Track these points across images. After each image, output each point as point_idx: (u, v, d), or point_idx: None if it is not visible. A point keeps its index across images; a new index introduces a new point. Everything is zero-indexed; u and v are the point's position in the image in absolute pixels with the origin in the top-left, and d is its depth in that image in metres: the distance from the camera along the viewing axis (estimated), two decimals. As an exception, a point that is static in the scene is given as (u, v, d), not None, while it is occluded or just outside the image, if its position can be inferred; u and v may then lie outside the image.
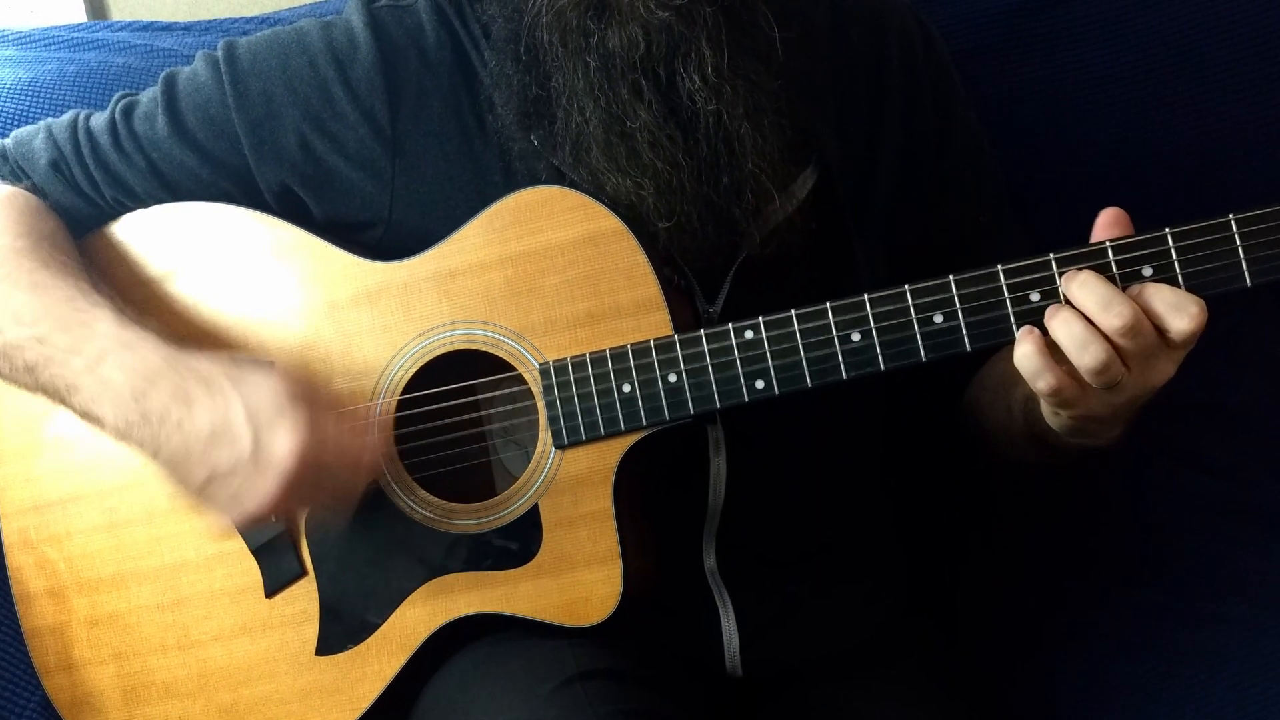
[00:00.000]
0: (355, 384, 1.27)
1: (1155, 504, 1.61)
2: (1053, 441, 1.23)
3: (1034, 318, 1.11)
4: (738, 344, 1.18)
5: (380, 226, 1.31)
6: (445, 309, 1.25)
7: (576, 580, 1.23)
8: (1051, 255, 1.12)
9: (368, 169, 1.30)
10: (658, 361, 1.19)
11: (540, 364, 1.22)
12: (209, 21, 1.76)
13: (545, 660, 1.21)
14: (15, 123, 1.54)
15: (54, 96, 1.58)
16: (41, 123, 1.38)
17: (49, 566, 1.33)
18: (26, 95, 1.58)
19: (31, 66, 1.62)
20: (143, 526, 1.31)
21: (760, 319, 1.17)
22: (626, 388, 1.20)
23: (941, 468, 1.53)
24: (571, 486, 1.23)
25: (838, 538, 1.36)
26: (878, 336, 1.15)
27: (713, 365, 1.18)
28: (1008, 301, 1.12)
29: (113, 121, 1.34)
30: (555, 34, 1.18)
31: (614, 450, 1.22)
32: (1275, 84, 1.64)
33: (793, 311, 1.16)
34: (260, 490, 1.12)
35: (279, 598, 1.29)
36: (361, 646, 1.28)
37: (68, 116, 1.37)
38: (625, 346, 1.20)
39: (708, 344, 1.18)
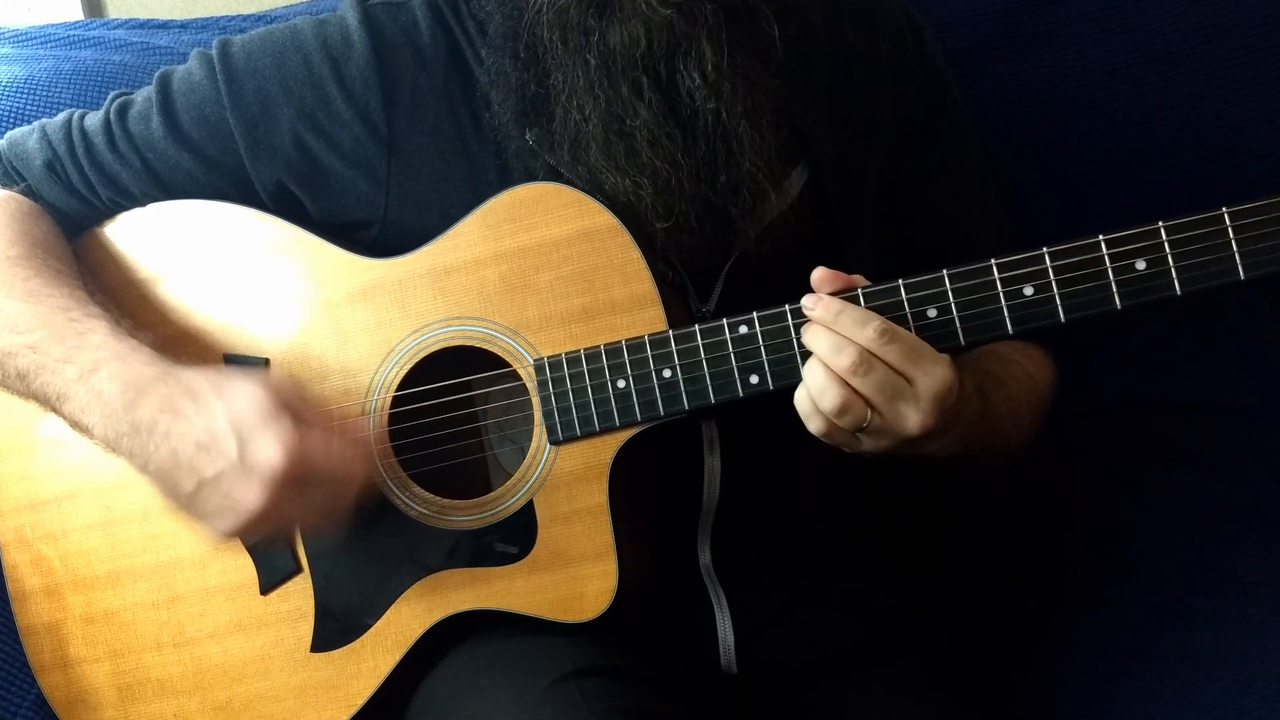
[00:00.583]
0: (350, 380, 1.27)
1: (1153, 503, 1.61)
2: None
3: (1028, 311, 1.12)
4: (732, 339, 1.18)
5: (376, 224, 1.31)
6: (440, 305, 1.25)
7: (571, 576, 1.23)
8: (1045, 250, 1.12)
9: (363, 167, 1.30)
10: (652, 357, 1.19)
11: (535, 360, 1.22)
12: (205, 19, 1.76)
13: (540, 657, 1.21)
14: (12, 121, 1.55)
15: (50, 94, 1.59)
16: (36, 123, 1.38)
17: (44, 564, 1.33)
18: (23, 93, 1.58)
19: (28, 64, 1.62)
20: (138, 524, 1.31)
21: (754, 314, 1.17)
22: (621, 383, 1.20)
23: (938, 466, 1.53)
24: (566, 482, 1.23)
25: (833, 535, 1.36)
26: (872, 331, 1.15)
27: (707, 360, 1.18)
28: (1001, 296, 1.12)
29: (107, 122, 1.34)
30: (556, 31, 1.18)
31: (609, 446, 1.22)
32: (1272, 82, 1.65)
33: (787, 306, 1.16)
34: (248, 497, 1.11)
35: (274, 595, 1.29)
36: (356, 643, 1.28)
37: (62, 116, 1.37)
38: (620, 342, 1.20)
39: (702, 339, 1.18)
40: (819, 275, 1.15)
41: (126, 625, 1.32)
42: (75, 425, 1.21)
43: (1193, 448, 1.65)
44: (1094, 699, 1.39)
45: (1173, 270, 1.09)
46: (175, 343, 1.31)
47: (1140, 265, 1.10)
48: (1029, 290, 1.12)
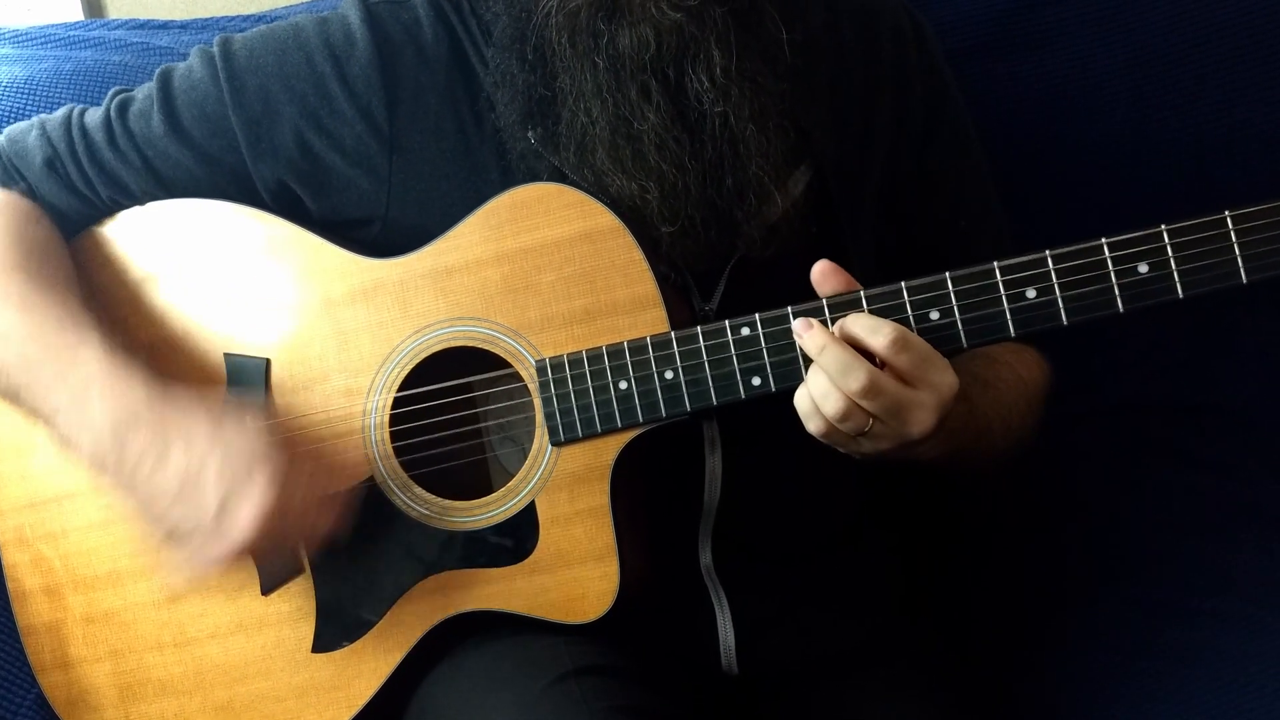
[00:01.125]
0: (351, 381, 1.27)
1: (1153, 503, 1.61)
2: None
3: (1031, 314, 1.12)
4: (734, 341, 1.18)
5: (377, 223, 1.31)
6: (441, 306, 1.25)
7: (573, 577, 1.23)
8: (1047, 252, 1.12)
9: (364, 166, 1.30)
10: (654, 358, 1.19)
11: (537, 361, 1.22)
12: (205, 19, 1.75)
13: (540, 657, 1.21)
14: (12, 121, 1.53)
15: (50, 94, 1.58)
16: (35, 119, 1.37)
17: (44, 564, 1.33)
18: (23, 93, 1.58)
19: (28, 64, 1.62)
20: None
21: (757, 316, 1.17)
22: (623, 385, 1.20)
23: (926, 469, 1.53)
24: (568, 483, 1.23)
25: (834, 536, 1.36)
26: (874, 332, 1.15)
27: (709, 362, 1.18)
28: (1004, 298, 1.12)
29: (108, 119, 1.34)
30: (565, 34, 1.18)
31: (610, 447, 1.22)
32: (1272, 82, 1.65)
33: (789, 308, 1.16)
34: (213, 556, 1.15)
35: (275, 595, 1.29)
36: (358, 644, 1.28)
37: (61, 112, 1.36)
38: (622, 344, 1.20)
39: (704, 341, 1.18)
40: (821, 269, 1.15)
41: (127, 625, 1.32)
42: (66, 443, 1.21)
43: (1193, 448, 1.66)
44: (1094, 699, 1.39)
45: (1175, 273, 1.10)
46: (175, 342, 1.31)
47: (1142, 268, 1.10)
48: (1031, 293, 1.12)
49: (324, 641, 1.28)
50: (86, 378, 1.19)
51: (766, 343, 1.17)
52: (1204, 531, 1.56)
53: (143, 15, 1.83)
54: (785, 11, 1.21)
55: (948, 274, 1.13)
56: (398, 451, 1.27)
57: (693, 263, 1.24)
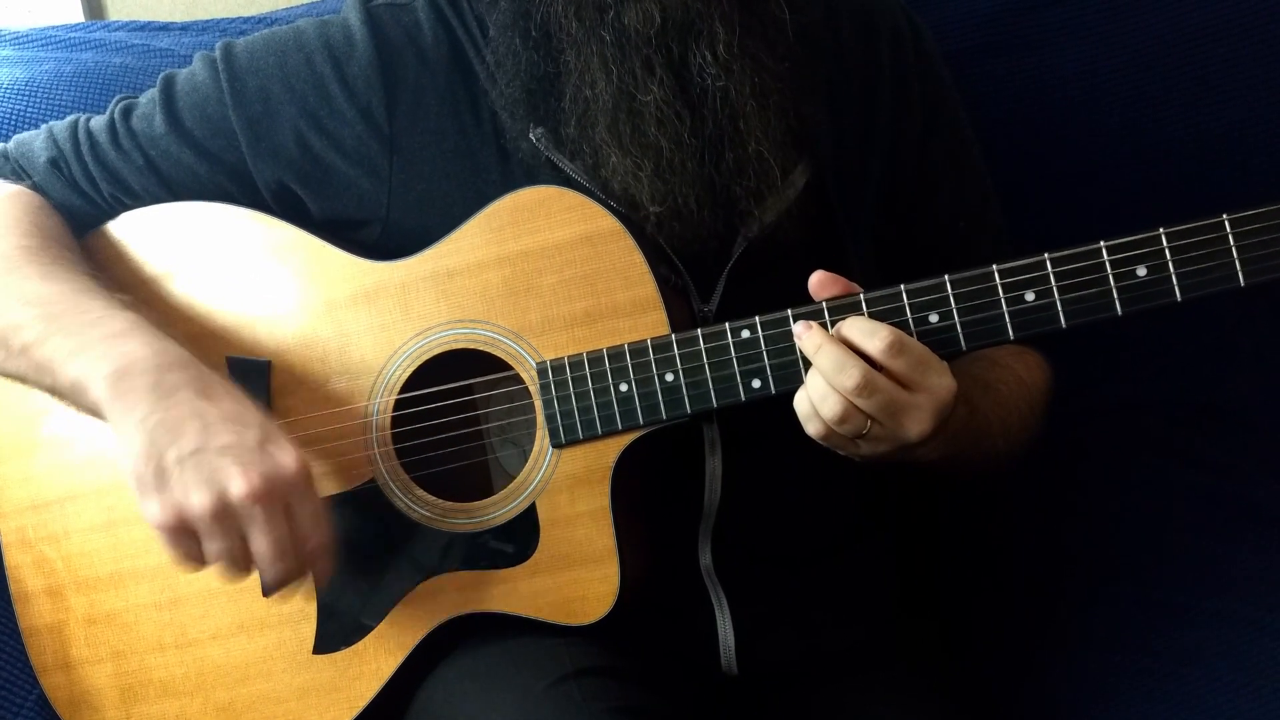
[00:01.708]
0: (353, 383, 1.27)
1: (1152, 502, 1.61)
2: None
3: (1030, 318, 1.12)
4: (734, 343, 1.18)
5: (377, 224, 1.31)
6: (443, 308, 1.25)
7: (573, 579, 1.23)
8: (1046, 255, 1.12)
9: (365, 167, 1.30)
10: (655, 361, 1.20)
11: (538, 363, 1.22)
12: (206, 21, 1.76)
13: (540, 658, 1.21)
14: (12, 122, 1.54)
15: (51, 96, 1.58)
16: (44, 126, 1.38)
17: (47, 565, 1.33)
18: (24, 95, 1.58)
19: (29, 66, 1.62)
20: (140, 525, 1.30)
21: (756, 318, 1.18)
22: (624, 387, 1.20)
23: (926, 471, 1.53)
24: (568, 485, 1.23)
25: (833, 537, 1.36)
26: (874, 335, 1.15)
27: (709, 365, 1.19)
28: (1003, 301, 1.13)
29: (111, 121, 1.35)
30: (571, 9, 1.20)
31: (611, 449, 1.22)
32: (1272, 84, 1.64)
33: (789, 311, 1.17)
34: (239, 479, 1.08)
35: (276, 596, 1.28)
36: (359, 645, 1.28)
37: (69, 119, 1.38)
38: (622, 346, 1.20)
39: (704, 343, 1.19)
40: (818, 279, 1.16)
41: (129, 626, 1.32)
42: (75, 382, 1.15)
43: (1193, 448, 1.66)
44: (1094, 699, 1.39)
45: (1173, 277, 1.10)
46: (177, 343, 1.31)
47: (1141, 271, 1.10)
48: (1030, 296, 1.12)
49: (325, 643, 1.29)
50: (126, 328, 1.17)
51: (766, 345, 1.17)
52: (1204, 531, 1.56)
53: (143, 17, 1.83)
54: None
55: (947, 277, 1.14)
56: (399, 453, 1.27)
57: (687, 248, 1.24)
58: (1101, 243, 1.11)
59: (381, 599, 1.27)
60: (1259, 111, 1.65)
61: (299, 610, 1.29)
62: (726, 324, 1.18)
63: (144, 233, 1.34)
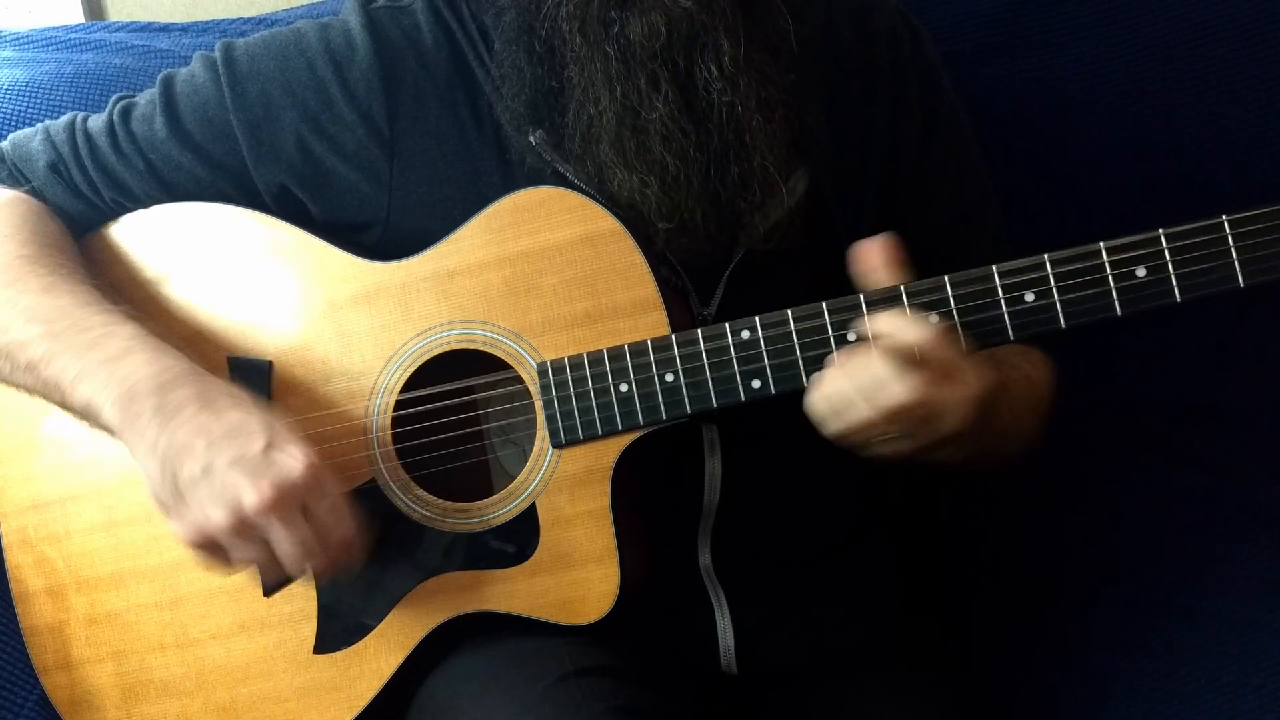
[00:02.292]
0: (354, 383, 1.27)
1: (1151, 503, 1.61)
2: None
3: (1029, 318, 1.12)
4: (734, 344, 1.18)
5: (378, 227, 1.31)
6: (443, 309, 1.25)
7: (573, 579, 1.24)
8: (1046, 256, 1.12)
9: (366, 170, 1.30)
10: (655, 361, 1.20)
11: (538, 364, 1.23)
12: (206, 22, 1.76)
13: (540, 658, 1.22)
14: (12, 123, 1.54)
15: (51, 97, 1.58)
16: (39, 125, 1.38)
17: (48, 565, 1.34)
18: (24, 96, 1.58)
19: (29, 67, 1.62)
20: (141, 525, 1.31)
21: (756, 319, 1.18)
22: (624, 387, 1.21)
23: (938, 471, 1.53)
24: (568, 486, 1.23)
25: (832, 538, 1.36)
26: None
27: (709, 365, 1.19)
28: (1002, 302, 1.13)
29: (110, 123, 1.35)
30: (575, 24, 1.19)
31: (611, 450, 1.22)
32: (1272, 86, 1.64)
33: (789, 311, 1.17)
34: (252, 490, 1.10)
35: (277, 596, 1.29)
36: (359, 645, 1.28)
37: (65, 119, 1.37)
38: (622, 346, 1.20)
39: (704, 344, 1.19)
40: (867, 247, 1.15)
41: (130, 626, 1.32)
42: (85, 406, 1.18)
43: (1193, 448, 1.66)
44: (1093, 699, 1.39)
45: (1173, 278, 1.10)
46: (179, 344, 1.30)
47: (1140, 272, 1.10)
48: (1030, 296, 1.12)
49: (326, 642, 1.29)
50: (125, 347, 1.18)
51: (766, 346, 1.17)
52: (1204, 531, 1.56)
53: (143, 18, 1.83)
54: (791, 3, 1.22)
55: (946, 278, 1.14)
56: (400, 453, 1.27)
57: (690, 259, 1.24)
58: (1101, 243, 1.11)
59: (382, 599, 1.27)
60: (1259, 111, 1.65)
61: (300, 610, 1.29)
62: (726, 324, 1.18)
63: (145, 233, 1.34)
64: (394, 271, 1.27)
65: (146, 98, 1.36)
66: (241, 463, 1.11)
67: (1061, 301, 1.12)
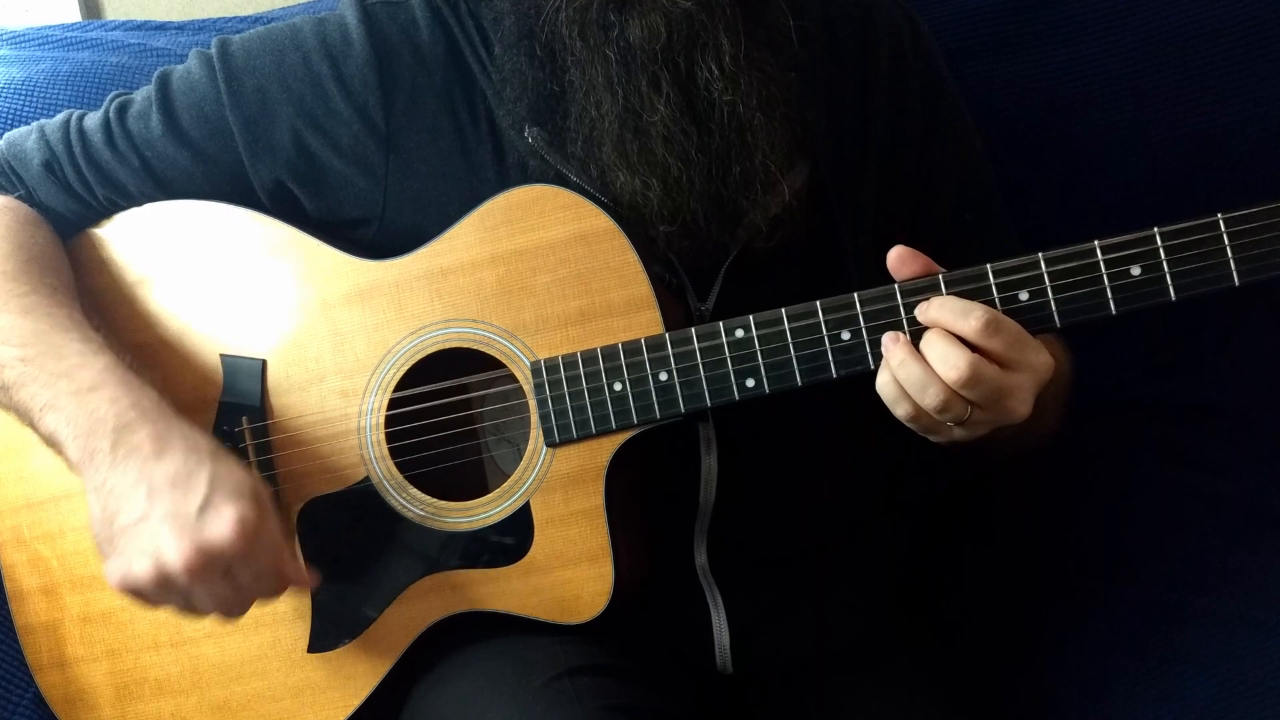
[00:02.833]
0: (347, 382, 1.27)
1: (1149, 502, 1.61)
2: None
3: (1023, 317, 1.12)
4: (728, 342, 1.18)
5: (374, 223, 1.31)
6: (437, 307, 1.25)
7: (568, 578, 1.23)
8: (1040, 255, 1.12)
9: (361, 165, 1.30)
10: (649, 360, 1.19)
11: (532, 362, 1.22)
12: (202, 20, 1.76)
13: (535, 656, 1.22)
14: (9, 122, 1.54)
15: (48, 96, 1.58)
16: (34, 124, 1.38)
17: (42, 564, 1.34)
18: (20, 94, 1.58)
19: (25, 66, 1.62)
20: (136, 524, 1.31)
21: (750, 317, 1.17)
22: (618, 386, 1.20)
23: (933, 466, 1.53)
24: (563, 484, 1.23)
25: (829, 536, 1.36)
26: (867, 335, 1.15)
27: (704, 364, 1.19)
28: (997, 301, 1.12)
29: (106, 120, 1.34)
30: (575, 28, 1.19)
31: (605, 448, 1.22)
32: (1267, 84, 1.64)
33: (783, 310, 1.16)
34: (175, 550, 1.09)
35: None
36: (353, 644, 1.28)
37: (60, 117, 1.37)
38: (616, 345, 1.20)
39: (698, 342, 1.18)
40: (898, 253, 1.13)
41: (124, 625, 1.32)
42: (50, 436, 1.18)
43: (1192, 448, 1.65)
44: (1091, 699, 1.39)
45: (1168, 276, 1.10)
46: (172, 342, 1.31)
47: (1135, 271, 1.10)
48: (1024, 295, 1.12)
49: (320, 641, 1.29)
50: (96, 380, 1.18)
51: (760, 345, 1.17)
52: (1202, 531, 1.56)
53: (140, 16, 1.83)
54: (790, 1, 1.22)
55: (941, 276, 1.13)
56: (394, 453, 1.27)
57: (690, 260, 1.24)
58: (1096, 242, 1.11)
59: (376, 598, 1.27)
60: (1257, 111, 1.65)
61: (294, 609, 1.29)
62: (720, 323, 1.18)
63: (138, 231, 1.34)
64: (388, 270, 1.27)
65: (142, 95, 1.36)
66: (173, 519, 1.10)
67: (1056, 300, 1.12)
